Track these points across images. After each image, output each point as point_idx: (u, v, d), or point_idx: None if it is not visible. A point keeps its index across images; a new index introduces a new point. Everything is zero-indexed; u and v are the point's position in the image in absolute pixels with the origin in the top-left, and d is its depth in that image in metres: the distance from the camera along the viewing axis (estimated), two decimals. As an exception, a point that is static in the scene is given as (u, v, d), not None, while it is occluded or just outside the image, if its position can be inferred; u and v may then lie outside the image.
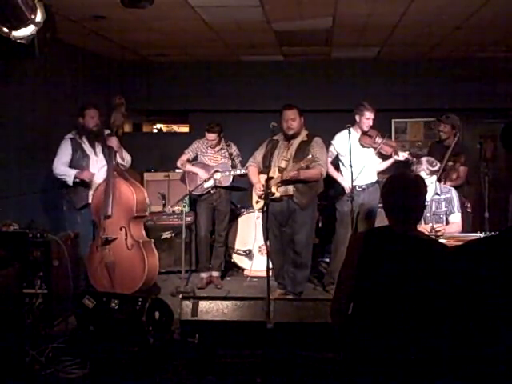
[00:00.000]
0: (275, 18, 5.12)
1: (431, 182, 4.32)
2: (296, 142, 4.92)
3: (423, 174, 4.23)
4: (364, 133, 5.22)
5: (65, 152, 5.01)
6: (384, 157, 5.29)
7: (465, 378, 1.48)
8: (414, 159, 4.89)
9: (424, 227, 4.07)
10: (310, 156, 4.68)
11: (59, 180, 5.03)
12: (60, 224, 5.19)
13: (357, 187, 5.05)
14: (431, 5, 4.68)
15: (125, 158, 5.13)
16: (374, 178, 5.29)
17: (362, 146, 5.24)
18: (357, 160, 5.00)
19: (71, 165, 5.01)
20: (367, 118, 5.12)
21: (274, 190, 4.78)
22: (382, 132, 5.37)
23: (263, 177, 4.78)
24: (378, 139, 5.17)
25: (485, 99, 7.24)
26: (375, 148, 5.16)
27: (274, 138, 4.88)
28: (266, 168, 4.82)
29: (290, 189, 4.82)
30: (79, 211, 5.02)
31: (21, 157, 5.15)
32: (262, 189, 4.73)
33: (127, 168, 5.24)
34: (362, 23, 5.32)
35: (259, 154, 5.08)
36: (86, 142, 5.07)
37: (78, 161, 5.02)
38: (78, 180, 4.95)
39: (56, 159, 5.01)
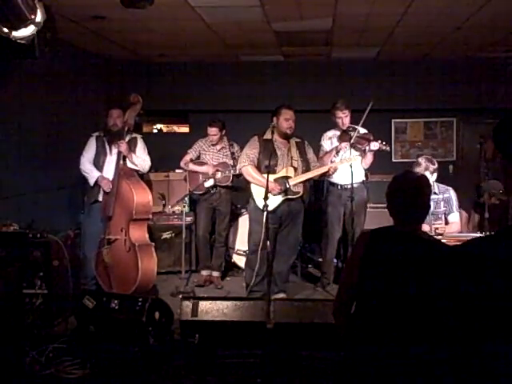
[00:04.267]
0: (275, 18, 5.12)
1: (432, 181, 4.34)
2: (293, 142, 4.97)
3: (426, 174, 4.25)
4: (343, 131, 5.25)
5: (90, 149, 5.18)
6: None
7: (467, 380, 1.48)
8: (388, 148, 5.11)
9: (423, 227, 4.07)
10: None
11: (82, 176, 5.19)
12: (60, 223, 5.22)
13: (342, 186, 5.21)
14: (431, 5, 4.68)
15: (137, 164, 5.17)
16: (361, 178, 5.27)
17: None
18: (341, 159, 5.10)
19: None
20: (339, 116, 5.21)
21: (296, 189, 4.84)
22: (371, 131, 5.37)
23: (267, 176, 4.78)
24: (352, 134, 5.13)
25: (485, 99, 7.24)
26: (351, 144, 5.12)
27: (264, 137, 4.92)
28: (276, 166, 4.82)
29: (301, 188, 4.91)
30: (91, 206, 5.15)
31: (21, 157, 5.15)
32: (279, 187, 4.74)
33: (146, 171, 5.44)
34: (362, 23, 5.32)
35: (253, 154, 4.93)
36: (106, 141, 5.18)
37: (96, 158, 5.15)
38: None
39: (82, 155, 5.18)
